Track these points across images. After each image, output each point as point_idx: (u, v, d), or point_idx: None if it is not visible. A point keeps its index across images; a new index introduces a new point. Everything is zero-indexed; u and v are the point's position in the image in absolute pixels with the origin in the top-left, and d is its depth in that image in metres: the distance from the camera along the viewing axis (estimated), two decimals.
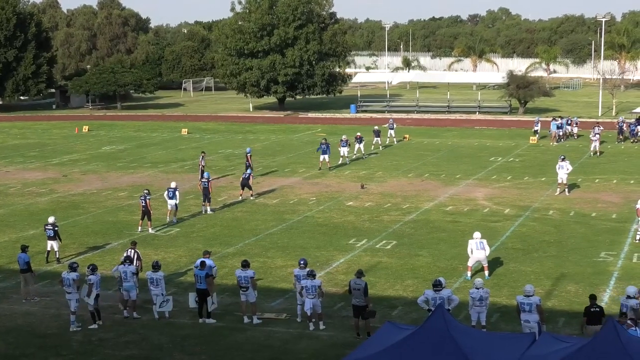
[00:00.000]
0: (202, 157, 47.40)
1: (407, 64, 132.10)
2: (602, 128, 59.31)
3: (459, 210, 39.31)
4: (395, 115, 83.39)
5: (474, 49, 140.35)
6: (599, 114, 79.52)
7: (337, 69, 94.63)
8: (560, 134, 63.86)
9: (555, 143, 62.25)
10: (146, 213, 35.21)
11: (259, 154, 57.90)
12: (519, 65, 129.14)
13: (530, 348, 17.13)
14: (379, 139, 60.28)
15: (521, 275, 28.41)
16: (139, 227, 35.49)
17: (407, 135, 66.75)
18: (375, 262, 29.97)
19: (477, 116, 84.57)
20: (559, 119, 66.16)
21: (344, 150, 53.21)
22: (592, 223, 36.19)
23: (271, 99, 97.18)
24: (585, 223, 36.10)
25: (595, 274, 28.43)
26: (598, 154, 56.05)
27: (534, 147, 61.20)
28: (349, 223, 36.74)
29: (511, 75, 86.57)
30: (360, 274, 23.26)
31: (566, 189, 42.45)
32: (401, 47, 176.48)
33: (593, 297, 21.30)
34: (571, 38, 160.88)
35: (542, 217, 37.29)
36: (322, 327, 23.51)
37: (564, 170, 42.29)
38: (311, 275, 23.49)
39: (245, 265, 24.48)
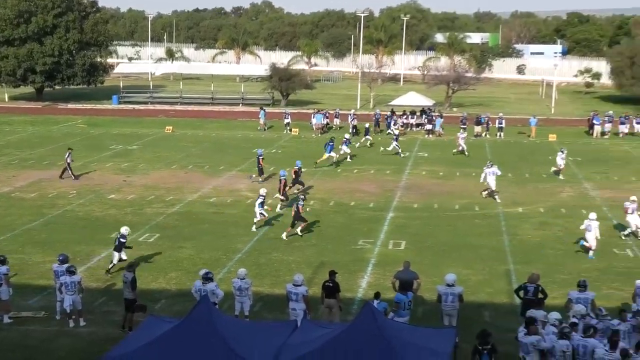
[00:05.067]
0: None
1: (170, 55, 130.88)
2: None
3: (222, 201, 39.45)
4: (159, 107, 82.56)
5: (238, 41, 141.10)
6: (358, 107, 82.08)
7: (99, 59, 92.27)
8: (321, 125, 65.39)
9: (318, 135, 63.73)
10: None
11: (14, 146, 55.63)
12: (282, 58, 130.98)
13: (292, 335, 17.47)
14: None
15: (283, 264, 28.93)
16: None
17: (171, 127, 66.18)
18: (138, 255, 29.51)
19: (241, 108, 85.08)
20: (323, 110, 68.05)
21: (344, 149, 51.35)
22: (350, 212, 37.37)
23: (28, 89, 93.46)
24: (344, 212, 37.22)
25: (353, 261, 29.38)
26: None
27: (296, 138, 62.39)
28: (111, 216, 36.01)
29: (274, 68, 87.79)
30: (130, 266, 22.90)
31: (496, 196, 40.23)
32: (165, 38, 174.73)
33: (331, 273, 22.33)
34: (332, 32, 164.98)
35: (304, 207, 38.00)
36: (82, 323, 22.91)
37: (493, 177, 40.08)
38: (70, 271, 22.83)
39: (1, 261, 23.45)
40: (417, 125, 67.74)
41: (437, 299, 22.03)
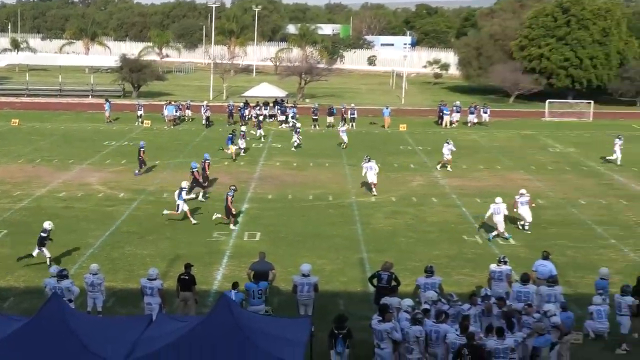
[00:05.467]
0: None
1: (15, 46, 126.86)
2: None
3: (72, 195, 38.51)
4: (4, 99, 79.81)
5: (86, 32, 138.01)
6: (211, 98, 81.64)
7: None
8: (173, 117, 64.70)
9: (170, 127, 63.02)
10: None
11: None
12: (132, 49, 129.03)
13: (147, 330, 17.21)
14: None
15: (137, 258, 28.49)
16: None
17: (17, 120, 64.11)
18: None
19: (90, 99, 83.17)
20: (175, 102, 67.45)
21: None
22: (205, 204, 36.99)
23: None
24: (198, 204, 36.84)
25: (209, 253, 29.20)
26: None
27: (149, 130, 61.51)
28: None
29: (124, 59, 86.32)
30: None
31: (373, 188, 39.76)
32: (9, 28, 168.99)
33: (187, 266, 22.28)
34: (183, 23, 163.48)
35: (157, 200, 37.58)
36: None
37: (372, 172, 39.76)
38: None
39: None
40: (270, 116, 67.86)
41: (292, 289, 22.12)
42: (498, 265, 23.19)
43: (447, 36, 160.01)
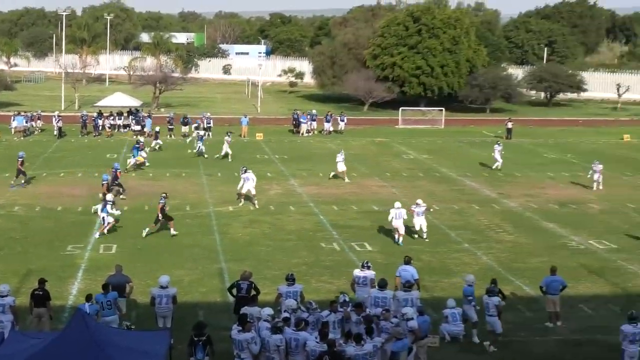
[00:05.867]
0: None
1: None
2: None
3: None
4: None
5: None
6: (62, 108, 79.72)
7: None
8: (22, 128, 62.81)
9: (20, 138, 61.19)
10: None
11: None
12: None
13: None
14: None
15: None
16: None
17: None
18: None
19: None
20: (25, 113, 65.60)
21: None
22: (58, 217, 36.20)
23: None
24: (52, 217, 36.00)
25: (63, 267, 28.48)
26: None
27: None
28: None
29: None
30: None
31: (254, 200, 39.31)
32: None
33: (41, 281, 21.74)
34: (32, 31, 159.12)
35: (8, 214, 36.47)
36: None
37: (250, 183, 39.13)
38: None
39: None
40: (125, 126, 66.76)
41: (150, 301, 21.79)
42: (362, 270, 23.44)
43: (301, 45, 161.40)
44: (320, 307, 20.65)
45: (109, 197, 34.03)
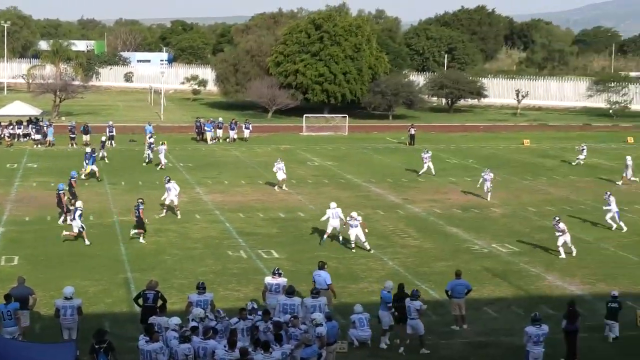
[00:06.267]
0: None
1: None
2: None
3: None
4: None
5: None
6: None
7: None
8: None
9: None
10: None
11: None
12: None
13: None
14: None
15: None
16: None
17: None
18: None
19: None
20: None
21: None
22: None
23: None
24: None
25: None
26: None
27: None
28: None
29: None
30: None
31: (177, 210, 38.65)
32: None
33: None
34: None
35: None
36: None
37: (173, 192, 38.48)
38: None
39: None
40: (25, 135, 65.39)
41: (55, 313, 21.42)
42: (273, 277, 23.47)
43: (204, 52, 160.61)
44: (229, 315, 20.62)
45: (79, 204, 33.85)
